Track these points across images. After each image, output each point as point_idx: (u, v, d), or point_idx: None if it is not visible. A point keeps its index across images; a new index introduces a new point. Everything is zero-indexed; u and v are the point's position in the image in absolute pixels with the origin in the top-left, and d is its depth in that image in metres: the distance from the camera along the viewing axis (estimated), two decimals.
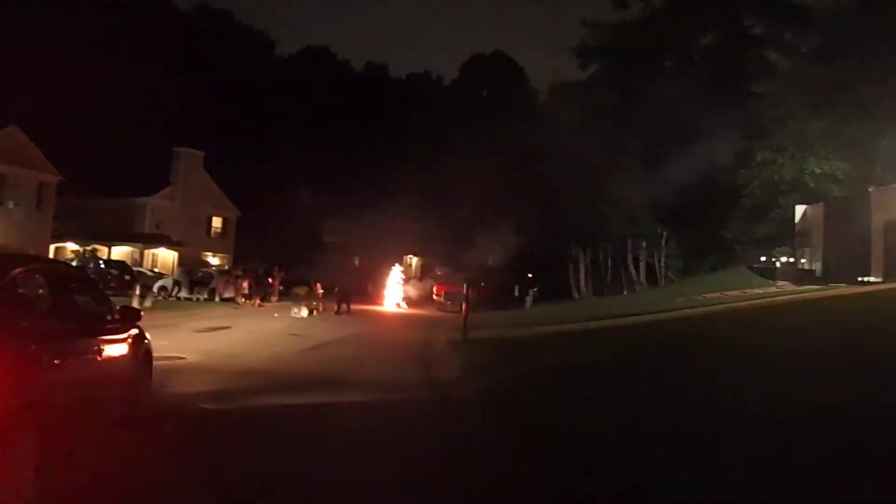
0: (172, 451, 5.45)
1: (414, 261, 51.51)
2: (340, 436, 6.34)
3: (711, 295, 22.69)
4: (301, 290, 24.20)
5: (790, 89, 26.59)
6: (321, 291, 25.04)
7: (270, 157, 48.44)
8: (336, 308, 24.14)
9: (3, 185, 29.78)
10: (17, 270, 4.06)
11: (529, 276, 33.83)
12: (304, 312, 21.89)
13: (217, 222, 42.85)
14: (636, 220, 29.60)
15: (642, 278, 30.63)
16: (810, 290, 21.26)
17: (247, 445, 5.78)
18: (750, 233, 27.59)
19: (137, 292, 21.29)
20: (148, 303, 21.59)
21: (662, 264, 30.11)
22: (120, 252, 35.97)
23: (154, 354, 7.27)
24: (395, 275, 31.99)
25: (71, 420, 4.27)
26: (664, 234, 29.54)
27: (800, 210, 26.16)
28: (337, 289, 25.12)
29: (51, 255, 32.41)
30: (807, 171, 25.34)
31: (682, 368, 9.26)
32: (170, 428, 6.27)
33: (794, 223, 26.32)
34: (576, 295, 32.66)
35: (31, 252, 28.33)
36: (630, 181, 29.14)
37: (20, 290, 4.04)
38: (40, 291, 4.38)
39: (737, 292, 23.05)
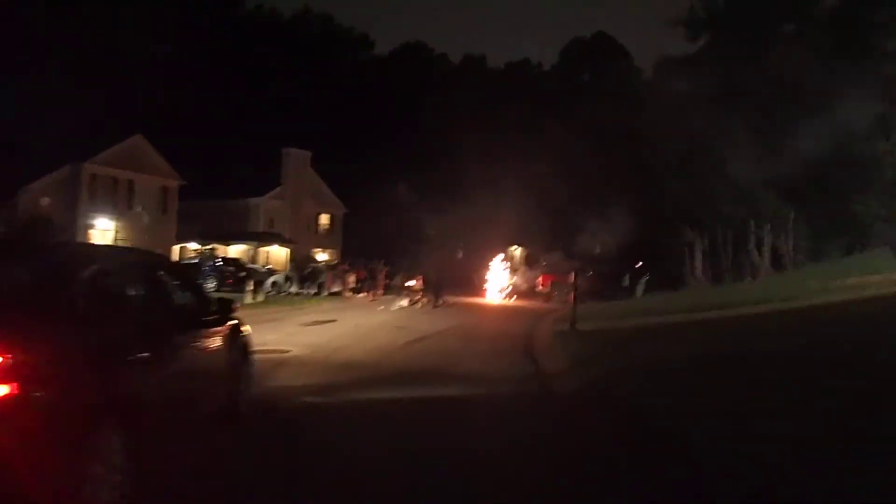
0: (272, 447, 5.28)
1: (518, 251, 50.78)
2: (440, 433, 6.01)
3: (850, 281, 20.49)
4: (400, 282, 24.20)
5: None
6: (422, 284, 25.03)
7: (374, 154, 49.35)
8: (434, 301, 23.96)
9: (131, 190, 32.00)
10: (95, 266, 3.90)
11: (639, 264, 32.10)
12: (405, 303, 21.92)
13: (324, 219, 44.16)
14: (756, 198, 27.25)
15: (767, 263, 28.19)
16: None
17: (348, 442, 5.51)
18: (892, 210, 24.67)
19: (250, 287, 22.12)
20: (260, 297, 22.39)
21: (790, 247, 27.54)
22: (236, 251, 37.83)
23: (260, 348, 7.15)
24: (498, 265, 31.41)
25: (164, 417, 4.10)
26: (791, 212, 26.96)
27: None
28: (434, 281, 24.95)
29: (174, 256, 34.64)
30: None
31: (828, 369, 8.08)
32: (271, 423, 6.16)
33: None
34: (691, 282, 30.67)
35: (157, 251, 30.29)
36: (747, 157, 26.93)
37: (103, 285, 3.89)
38: (125, 285, 4.24)
39: (879, 278, 20.70)
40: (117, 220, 30.88)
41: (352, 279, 26.96)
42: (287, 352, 10.70)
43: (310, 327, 15.09)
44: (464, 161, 48.56)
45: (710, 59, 31.02)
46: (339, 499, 4.22)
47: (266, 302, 22.14)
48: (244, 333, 6.03)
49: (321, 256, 41.23)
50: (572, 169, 36.31)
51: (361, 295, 26.26)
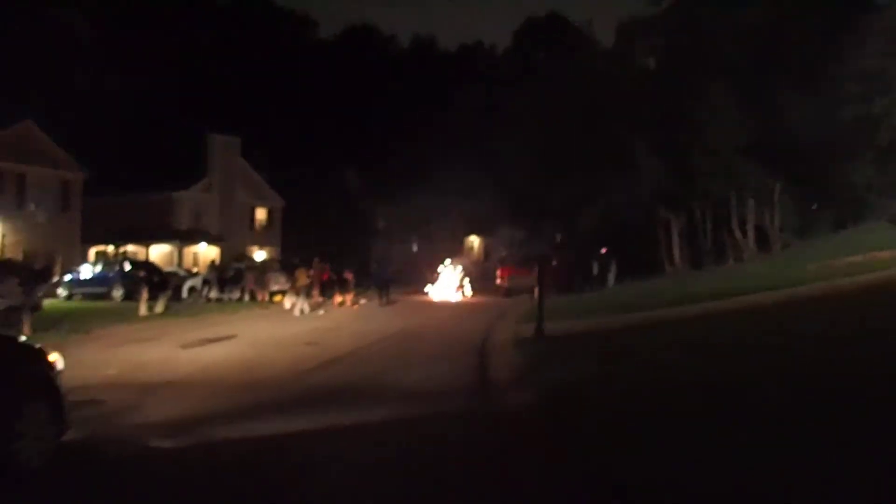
0: None
1: (476, 241, 47.44)
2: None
3: (854, 259, 17.56)
4: (301, 278, 18.91)
5: None
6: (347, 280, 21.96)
7: (318, 142, 45.39)
8: (380, 299, 21.38)
9: (23, 185, 27.44)
10: None
11: (604, 250, 28.14)
12: (304, 308, 18.02)
13: (261, 213, 39.90)
14: (736, 171, 24.19)
15: (751, 243, 25.21)
16: None
17: None
18: (888, 177, 21.91)
19: (145, 296, 18.16)
20: (159, 308, 18.44)
21: (776, 224, 24.55)
22: (157, 251, 33.48)
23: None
24: (454, 259, 27.81)
25: None
26: (777, 184, 23.94)
27: None
28: (379, 277, 22.44)
29: (83, 258, 30.16)
30: None
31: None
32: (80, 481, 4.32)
33: None
34: (668, 268, 27.52)
35: (56, 255, 26.01)
36: (725, 124, 23.90)
37: None
38: None
39: (887, 254, 17.83)
40: (4, 220, 26.30)
41: (276, 281, 22.95)
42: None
43: (194, 348, 11.28)
44: (417, 147, 45.02)
45: (677, 19, 27.87)
46: None
47: (167, 313, 18.19)
48: (34, 364, 4.80)
49: (259, 255, 37.08)
50: (533, 152, 32.90)
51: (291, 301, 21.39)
